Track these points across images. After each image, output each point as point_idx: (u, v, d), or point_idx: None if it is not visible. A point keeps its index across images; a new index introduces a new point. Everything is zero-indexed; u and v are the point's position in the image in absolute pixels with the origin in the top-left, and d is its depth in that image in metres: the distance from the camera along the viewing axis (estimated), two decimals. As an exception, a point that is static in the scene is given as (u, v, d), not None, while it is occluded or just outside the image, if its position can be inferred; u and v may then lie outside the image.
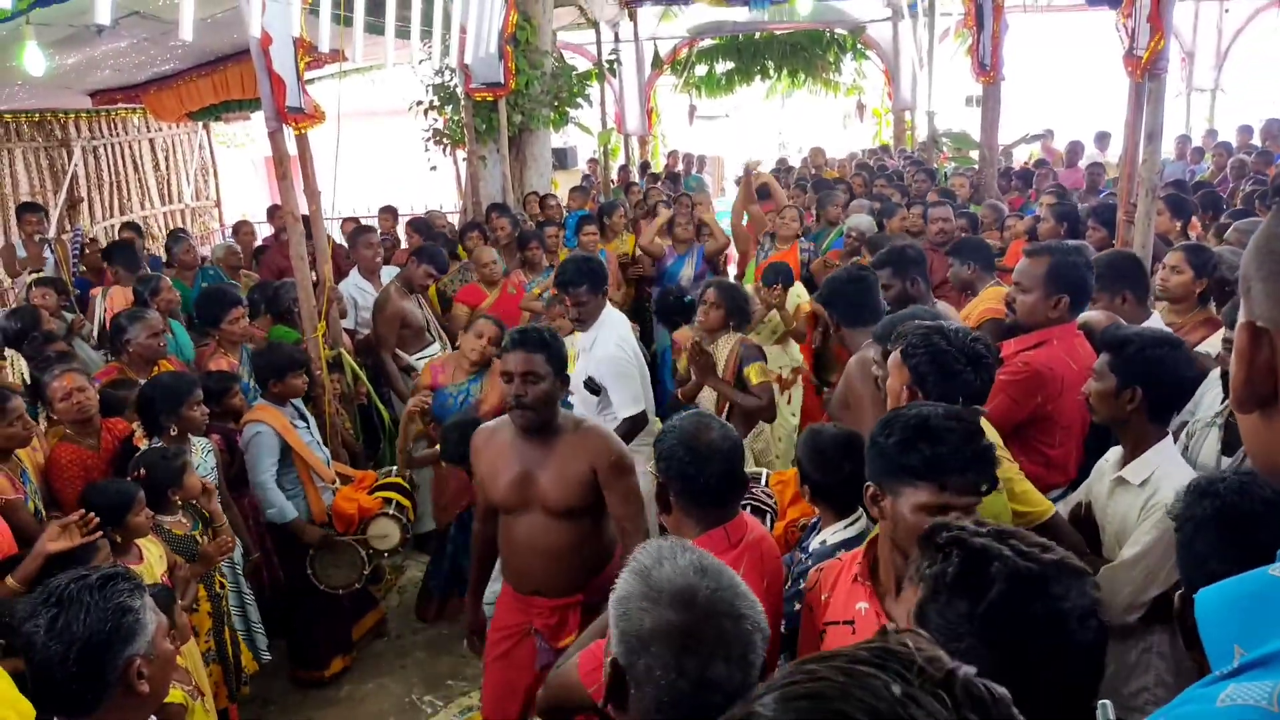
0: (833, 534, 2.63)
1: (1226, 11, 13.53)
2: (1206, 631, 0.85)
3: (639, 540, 2.92)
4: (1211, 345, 3.57)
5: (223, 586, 3.85)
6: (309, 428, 4.59)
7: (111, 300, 6.16)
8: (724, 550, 2.20)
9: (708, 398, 4.56)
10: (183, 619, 3.14)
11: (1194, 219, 6.53)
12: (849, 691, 0.76)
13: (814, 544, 2.68)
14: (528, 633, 3.15)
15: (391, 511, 4.47)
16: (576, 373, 4.12)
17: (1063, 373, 3.13)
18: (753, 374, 4.37)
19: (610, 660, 1.45)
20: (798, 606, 2.40)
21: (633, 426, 4.17)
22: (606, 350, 4.21)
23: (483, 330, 4.65)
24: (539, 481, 2.97)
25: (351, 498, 4.46)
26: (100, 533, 2.96)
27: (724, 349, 4.52)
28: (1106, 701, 1.16)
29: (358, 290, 6.31)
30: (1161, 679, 2.55)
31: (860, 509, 2.59)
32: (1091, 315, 3.50)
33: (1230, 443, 3.00)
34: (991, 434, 2.78)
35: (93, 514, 2.94)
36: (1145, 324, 3.59)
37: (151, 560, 3.38)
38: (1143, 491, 2.55)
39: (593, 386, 4.17)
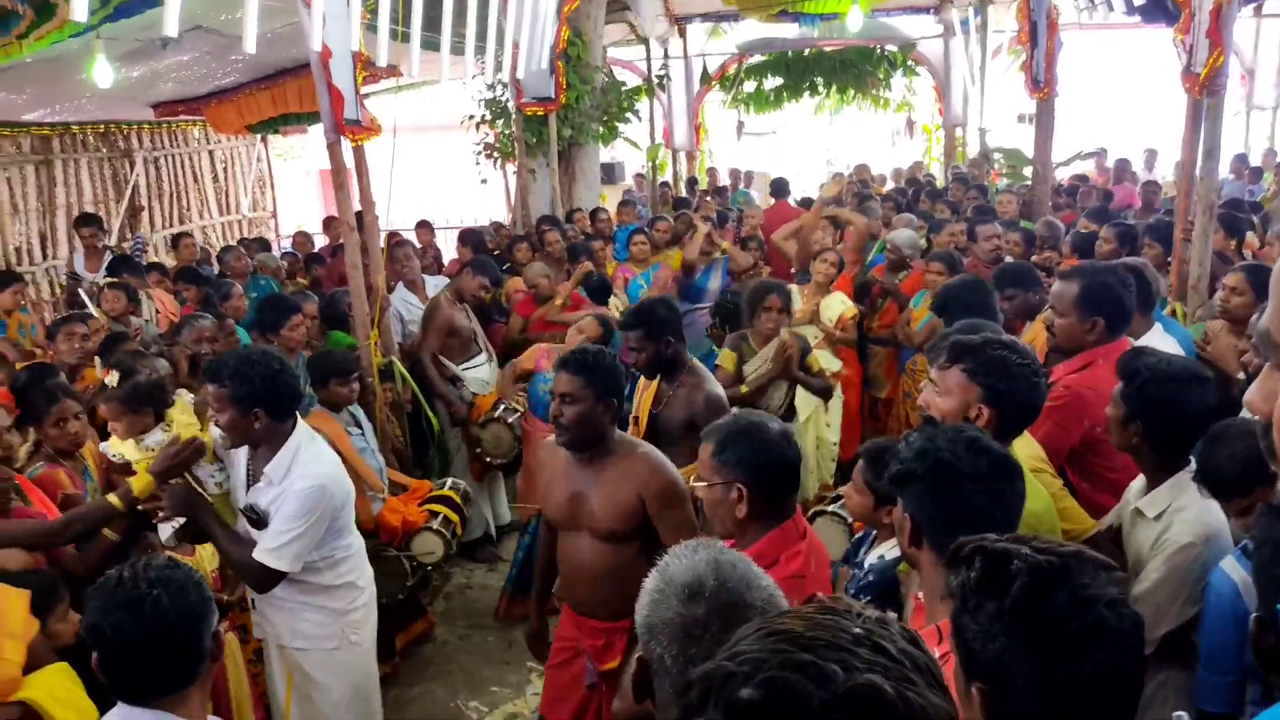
0: (890, 549, 2.61)
1: (1288, 28, 13.25)
2: None
3: None
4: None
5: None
6: (364, 434, 4.65)
7: (159, 300, 6.40)
8: (795, 540, 2.24)
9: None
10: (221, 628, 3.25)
11: (1250, 237, 6.41)
12: (818, 627, 0.90)
13: (871, 559, 2.66)
14: (580, 649, 3.16)
15: (436, 526, 4.54)
16: (248, 500, 3.23)
17: (1109, 393, 3.08)
18: (814, 361, 4.80)
19: (637, 654, 1.53)
20: None
21: (253, 575, 3.14)
22: (316, 472, 3.17)
23: (584, 328, 4.83)
24: (588, 503, 2.98)
25: (398, 509, 4.53)
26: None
27: (773, 347, 4.68)
28: (1183, 714, 1.16)
29: (403, 304, 6.36)
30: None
31: None
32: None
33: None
34: (1035, 451, 2.76)
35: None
36: (1145, 335, 3.60)
37: (203, 556, 3.47)
38: (1156, 525, 2.48)
39: (252, 516, 3.17)
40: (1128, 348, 3.23)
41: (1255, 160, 12.55)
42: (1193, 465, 2.48)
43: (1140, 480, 2.70)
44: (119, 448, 3.27)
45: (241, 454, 3.27)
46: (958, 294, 4.10)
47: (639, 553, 2.90)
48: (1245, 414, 3.05)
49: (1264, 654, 1.37)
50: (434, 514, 4.61)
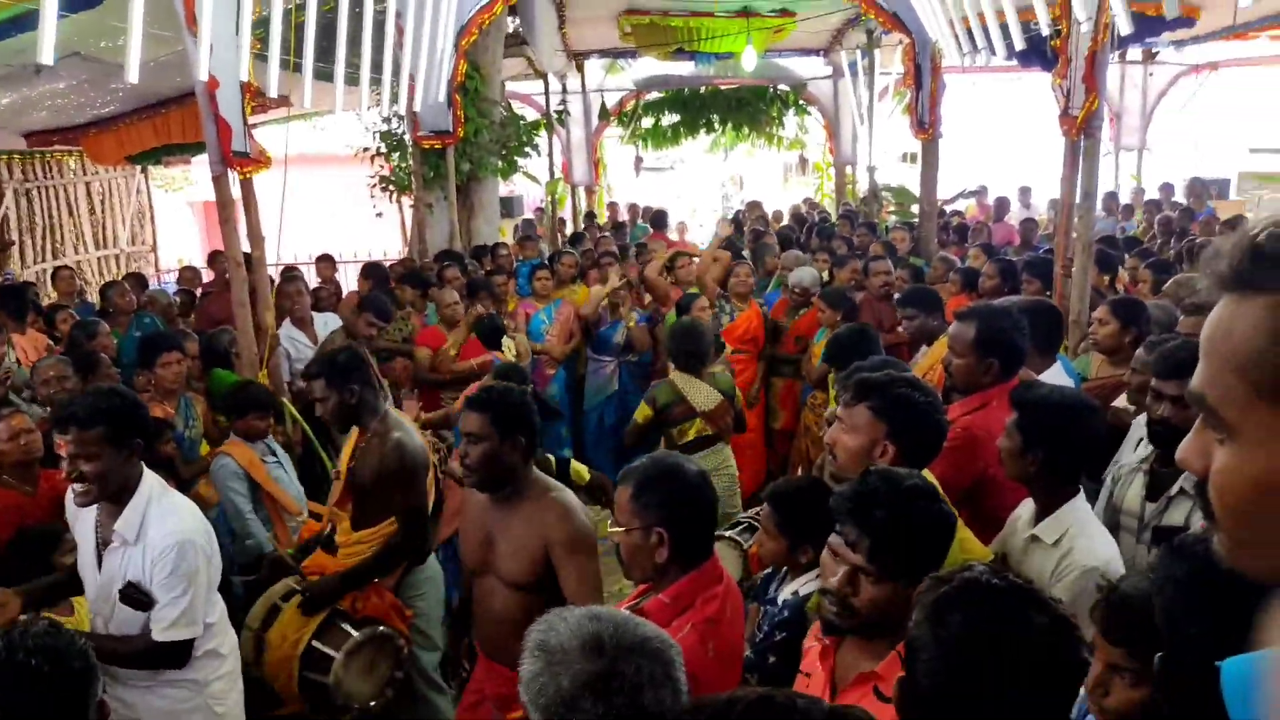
0: (804, 585, 2.61)
1: (1151, 75, 14.10)
2: (1232, 704, 0.85)
3: None
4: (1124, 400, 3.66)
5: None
6: (280, 463, 4.58)
7: (20, 347, 6.00)
8: (713, 583, 2.21)
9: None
10: None
11: (1121, 272, 6.75)
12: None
13: (785, 594, 2.65)
14: (488, 695, 3.08)
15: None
16: (107, 572, 2.87)
17: (1000, 433, 3.16)
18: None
19: None
20: (772, 659, 2.37)
21: (159, 657, 2.88)
22: (168, 539, 2.80)
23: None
24: (497, 547, 2.91)
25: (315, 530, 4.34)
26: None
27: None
28: None
29: (290, 341, 6.13)
30: None
31: None
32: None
33: (1155, 487, 3.06)
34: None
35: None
36: (1046, 373, 3.70)
37: (82, 615, 3.25)
38: (1055, 551, 2.54)
39: (137, 596, 2.81)
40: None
41: (1124, 198, 13.28)
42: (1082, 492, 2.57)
43: (1025, 509, 2.76)
44: None
45: (88, 516, 2.92)
46: (845, 344, 4.18)
47: (544, 605, 2.80)
48: (1140, 449, 3.18)
49: (1167, 693, 1.39)
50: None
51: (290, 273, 7.40)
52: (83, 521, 2.96)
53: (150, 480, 2.90)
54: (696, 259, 7.51)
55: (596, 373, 7.09)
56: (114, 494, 2.83)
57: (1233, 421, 0.82)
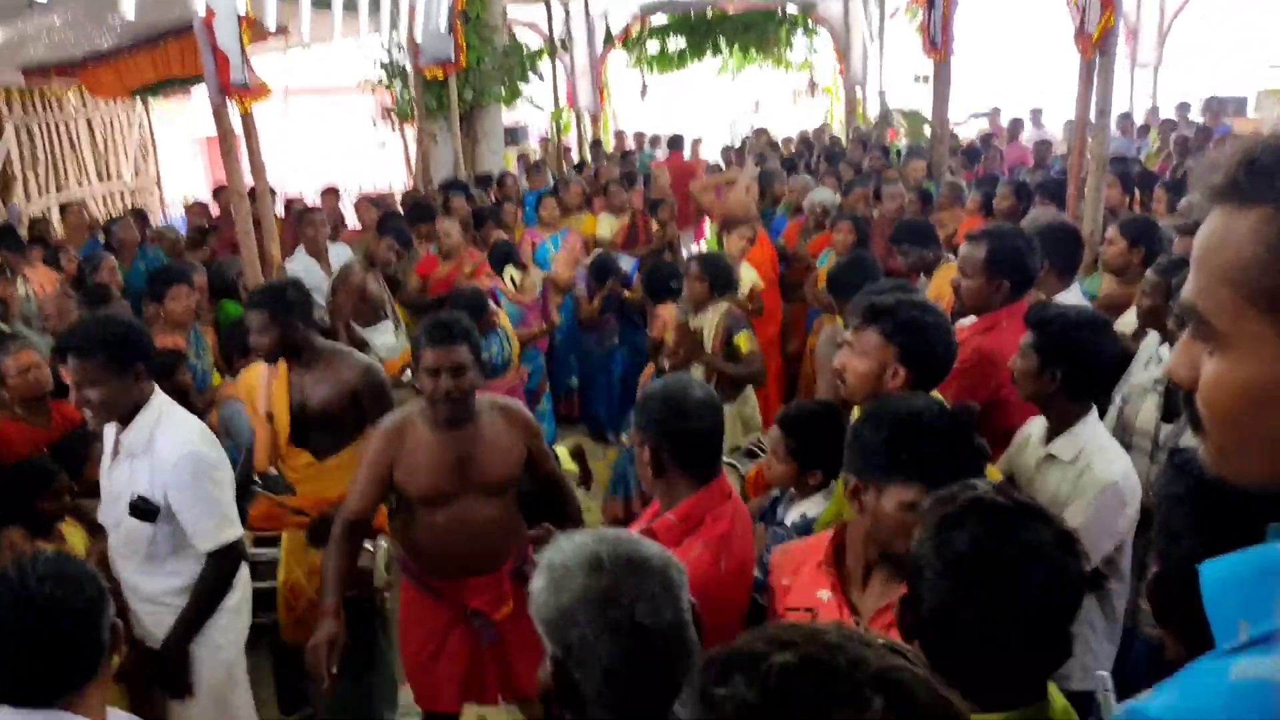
0: (812, 507, 2.63)
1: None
2: (1212, 604, 0.86)
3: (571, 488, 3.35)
4: (1126, 324, 3.64)
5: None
6: None
7: (36, 281, 6.03)
8: (720, 500, 2.24)
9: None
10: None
11: (1139, 193, 6.67)
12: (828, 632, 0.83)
13: (792, 517, 2.68)
14: (458, 620, 3.17)
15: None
16: (116, 484, 2.92)
17: (1012, 354, 3.15)
18: (742, 342, 4.38)
19: (548, 660, 1.51)
20: None
21: (219, 570, 2.94)
22: (177, 450, 2.84)
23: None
24: (476, 463, 3.01)
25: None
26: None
27: (712, 320, 4.48)
28: (1105, 674, 1.18)
29: (305, 271, 6.15)
30: (1089, 646, 2.61)
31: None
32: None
33: (1170, 407, 3.07)
34: None
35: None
36: (1061, 295, 3.68)
37: (74, 544, 3.30)
38: (1073, 467, 2.57)
39: (145, 508, 2.82)
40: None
41: (1139, 118, 13.03)
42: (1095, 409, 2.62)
43: (1035, 427, 2.78)
44: None
45: (109, 430, 2.97)
46: (846, 276, 4.11)
47: (512, 499, 3.16)
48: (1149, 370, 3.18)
49: (1158, 607, 1.41)
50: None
51: (309, 207, 7.42)
52: (106, 436, 3.03)
53: (161, 398, 2.92)
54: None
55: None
56: (124, 415, 2.87)
57: (1224, 332, 0.83)
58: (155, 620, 2.94)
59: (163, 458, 2.81)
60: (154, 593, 2.96)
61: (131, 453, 2.86)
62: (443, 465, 3.00)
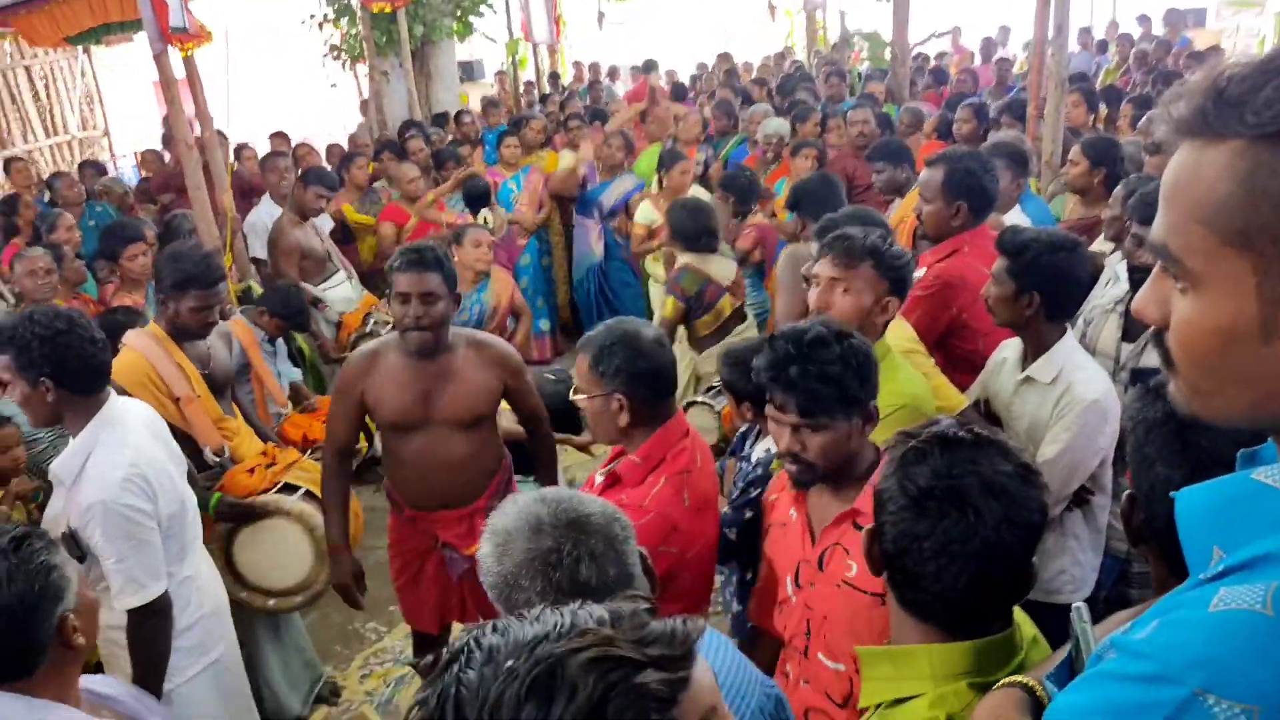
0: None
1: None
2: (1186, 532, 0.86)
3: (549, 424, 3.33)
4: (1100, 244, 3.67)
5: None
6: (274, 354, 4.70)
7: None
8: (680, 437, 2.32)
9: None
10: None
11: (1105, 109, 6.66)
12: None
13: (758, 452, 2.73)
14: (432, 549, 3.24)
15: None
16: (52, 509, 2.60)
17: (974, 280, 3.13)
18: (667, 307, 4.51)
19: None
20: (749, 514, 2.45)
21: (139, 631, 2.57)
22: (101, 484, 2.47)
23: (480, 239, 4.74)
24: (444, 395, 3.03)
25: (300, 425, 4.44)
26: None
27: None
28: (1082, 605, 1.20)
29: (271, 218, 5.92)
30: (1076, 559, 2.71)
31: None
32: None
33: (1129, 329, 3.11)
34: (907, 334, 2.86)
35: None
36: (1007, 215, 3.74)
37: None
38: (1053, 389, 2.62)
39: (73, 546, 2.44)
40: (987, 234, 3.33)
41: (1099, 34, 12.96)
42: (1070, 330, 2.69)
43: (1010, 350, 2.83)
44: None
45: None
46: (811, 191, 4.13)
47: (487, 434, 3.17)
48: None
49: (1133, 531, 1.44)
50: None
51: (272, 151, 7.23)
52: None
53: (106, 419, 2.57)
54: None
55: (581, 239, 6.95)
56: (47, 423, 2.65)
57: (1198, 271, 0.80)
58: (109, 653, 2.72)
59: (79, 500, 2.49)
60: (107, 624, 2.50)
61: (60, 481, 2.56)
62: (410, 393, 3.04)
